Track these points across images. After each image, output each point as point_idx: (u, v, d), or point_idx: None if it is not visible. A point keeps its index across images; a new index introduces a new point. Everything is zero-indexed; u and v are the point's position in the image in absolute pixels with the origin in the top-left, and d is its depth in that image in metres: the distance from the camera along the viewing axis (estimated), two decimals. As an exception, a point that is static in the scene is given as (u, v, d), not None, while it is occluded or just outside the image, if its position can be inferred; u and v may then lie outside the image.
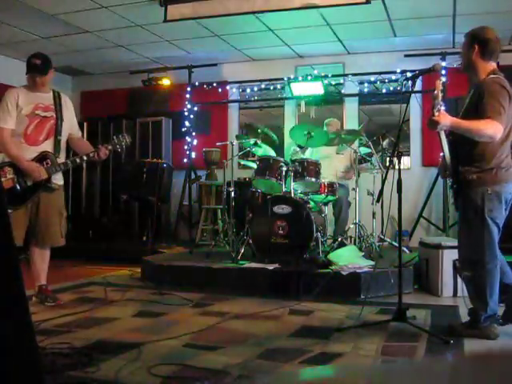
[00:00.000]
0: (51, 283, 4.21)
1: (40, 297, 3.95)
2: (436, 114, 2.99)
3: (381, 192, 3.46)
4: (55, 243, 4.02)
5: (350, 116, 7.45)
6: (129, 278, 5.40)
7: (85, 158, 3.92)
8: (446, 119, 3.01)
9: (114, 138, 4.04)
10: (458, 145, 3.15)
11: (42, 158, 3.82)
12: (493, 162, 3.04)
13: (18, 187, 3.74)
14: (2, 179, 3.67)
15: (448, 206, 6.63)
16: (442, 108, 2.98)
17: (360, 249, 5.16)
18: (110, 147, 3.98)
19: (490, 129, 2.94)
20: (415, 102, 6.88)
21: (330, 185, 5.24)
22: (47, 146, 3.86)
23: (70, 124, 4.06)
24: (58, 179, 3.97)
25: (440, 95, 2.99)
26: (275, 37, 6.78)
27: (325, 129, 5.91)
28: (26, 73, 3.86)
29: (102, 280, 5.17)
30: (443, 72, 6.49)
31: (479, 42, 3.10)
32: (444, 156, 3.25)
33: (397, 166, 3.23)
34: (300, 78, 7.19)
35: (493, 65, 3.14)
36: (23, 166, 3.73)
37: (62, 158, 3.94)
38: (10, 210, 3.66)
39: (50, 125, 3.88)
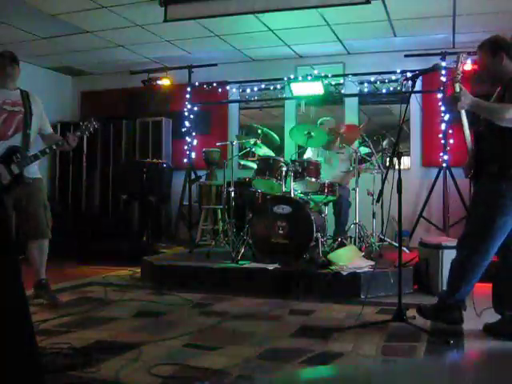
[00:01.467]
0: (51, 283, 4.19)
1: (39, 292, 3.94)
2: (458, 90, 3.00)
3: (381, 192, 3.46)
4: (43, 235, 3.98)
5: (350, 116, 7.45)
6: (129, 277, 5.40)
7: (54, 146, 3.92)
8: (466, 98, 3.02)
9: (81, 123, 4.07)
10: (482, 136, 3.16)
11: (11, 152, 3.79)
12: None
13: None
14: None
15: (448, 206, 6.63)
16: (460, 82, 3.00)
17: (360, 249, 5.16)
18: (78, 133, 4.00)
19: (509, 113, 2.92)
20: (415, 102, 6.88)
21: (330, 185, 5.23)
22: (16, 139, 3.84)
23: (40, 119, 4.05)
24: (32, 172, 3.93)
25: (461, 69, 2.99)
26: (275, 37, 6.78)
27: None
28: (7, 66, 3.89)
29: (102, 280, 5.17)
30: (443, 72, 6.49)
31: (505, 49, 3.10)
32: (468, 150, 3.27)
33: (397, 166, 3.23)
34: (300, 78, 7.19)
35: None
36: None
37: (32, 152, 3.90)
38: None
39: (19, 119, 3.88)
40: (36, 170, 4.01)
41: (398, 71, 6.80)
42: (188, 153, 7.63)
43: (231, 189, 5.52)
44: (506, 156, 3.02)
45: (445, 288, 3.30)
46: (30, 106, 3.94)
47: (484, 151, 3.13)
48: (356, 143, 6.20)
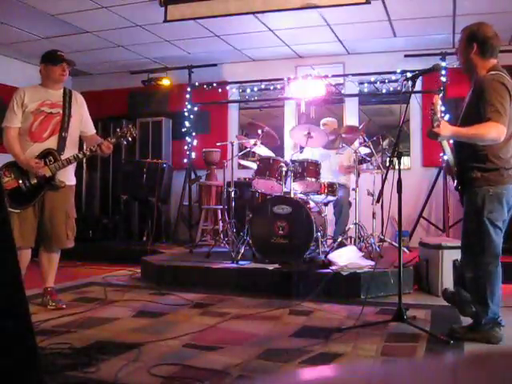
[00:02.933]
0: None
1: (44, 299, 3.91)
2: (435, 124, 3.00)
3: (381, 192, 3.45)
4: (60, 245, 3.95)
5: (350, 116, 7.45)
6: (129, 277, 5.40)
7: (87, 152, 3.84)
8: (446, 130, 3.00)
9: (118, 130, 3.96)
10: (460, 145, 3.15)
11: (44, 155, 3.76)
12: (497, 163, 3.01)
13: (23, 187, 3.71)
14: (6, 179, 3.65)
15: (448, 206, 6.63)
16: (442, 118, 2.99)
17: (360, 249, 5.16)
18: (113, 140, 3.89)
19: (491, 132, 2.91)
20: (415, 102, 6.88)
21: (330, 185, 5.23)
22: (51, 142, 3.79)
23: (81, 121, 3.99)
24: (66, 178, 3.87)
25: (439, 111, 2.98)
26: (275, 37, 6.78)
27: (322, 129, 5.91)
28: (55, 64, 3.85)
29: (101, 280, 5.17)
30: (443, 72, 6.49)
31: (478, 41, 3.04)
32: (447, 160, 3.26)
33: (397, 167, 3.23)
34: (300, 78, 7.19)
35: (493, 62, 3.08)
36: (20, 161, 3.70)
37: (67, 155, 3.83)
38: (17, 210, 3.65)
39: (56, 121, 3.82)
40: (70, 176, 3.95)
41: (398, 71, 6.80)
42: (188, 153, 7.63)
43: (231, 189, 5.52)
44: (487, 162, 3.01)
45: (473, 309, 3.15)
46: (69, 108, 3.87)
47: (464, 160, 3.12)
48: (356, 143, 6.19)
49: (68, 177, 3.92)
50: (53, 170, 3.76)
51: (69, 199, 3.98)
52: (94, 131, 4.16)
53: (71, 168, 3.94)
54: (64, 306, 3.87)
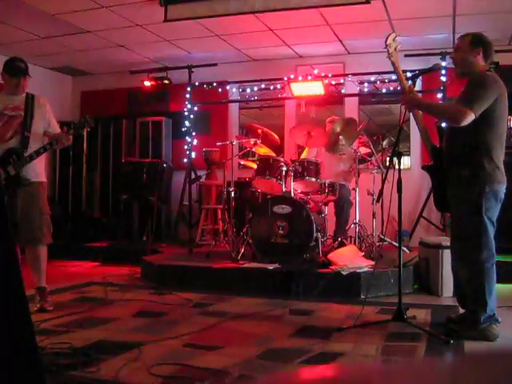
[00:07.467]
0: (51, 283, 4.18)
1: (35, 298, 3.87)
2: (407, 88, 3.13)
3: (381, 192, 3.46)
4: (36, 242, 3.90)
5: (350, 116, 7.44)
6: (129, 277, 5.40)
7: (47, 146, 3.90)
8: (414, 97, 3.18)
9: (74, 122, 4.06)
10: (453, 138, 3.16)
11: (7, 154, 3.81)
12: (495, 160, 3.03)
13: None
14: None
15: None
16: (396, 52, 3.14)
17: (360, 249, 5.16)
18: (71, 132, 3.99)
19: (453, 113, 3.00)
20: (415, 102, 6.87)
21: (330, 185, 5.24)
22: (14, 142, 3.86)
23: (44, 121, 4.05)
24: (32, 175, 3.89)
25: (394, 49, 3.10)
26: (275, 37, 6.78)
27: (328, 127, 5.89)
28: (12, 75, 3.91)
29: (102, 280, 5.17)
30: (443, 72, 6.49)
31: (484, 46, 3.13)
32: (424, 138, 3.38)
33: (397, 166, 3.23)
34: (300, 78, 7.19)
35: (487, 66, 3.20)
36: None
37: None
38: None
39: (18, 122, 3.91)
40: (37, 173, 3.96)
41: (398, 71, 6.79)
42: (188, 153, 7.62)
43: (231, 189, 5.52)
44: (485, 159, 3.03)
45: (470, 307, 3.18)
46: (31, 110, 3.96)
47: (458, 154, 3.13)
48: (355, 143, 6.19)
49: (36, 174, 3.94)
50: (16, 168, 3.80)
51: (40, 196, 3.99)
52: (58, 131, 4.17)
53: (38, 165, 3.96)
54: (50, 308, 3.80)
